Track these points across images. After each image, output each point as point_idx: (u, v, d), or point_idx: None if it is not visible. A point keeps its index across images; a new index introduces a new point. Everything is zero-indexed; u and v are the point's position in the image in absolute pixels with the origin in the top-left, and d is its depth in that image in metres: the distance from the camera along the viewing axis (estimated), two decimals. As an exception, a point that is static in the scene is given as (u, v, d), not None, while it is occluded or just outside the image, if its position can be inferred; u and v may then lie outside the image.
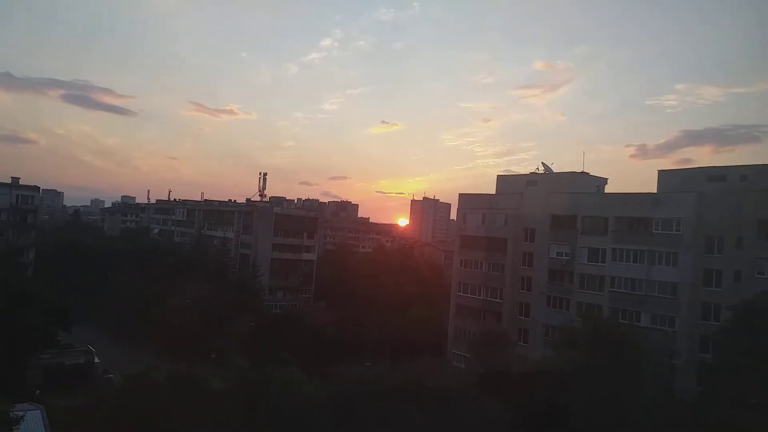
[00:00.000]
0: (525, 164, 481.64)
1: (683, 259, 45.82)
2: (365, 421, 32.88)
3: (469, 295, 62.14)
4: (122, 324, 70.51)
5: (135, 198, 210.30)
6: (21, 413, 25.10)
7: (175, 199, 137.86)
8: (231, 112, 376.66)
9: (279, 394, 32.40)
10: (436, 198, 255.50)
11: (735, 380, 31.84)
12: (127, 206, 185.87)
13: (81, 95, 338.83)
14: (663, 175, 54.71)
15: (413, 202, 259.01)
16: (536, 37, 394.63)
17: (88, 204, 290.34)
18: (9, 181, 79.01)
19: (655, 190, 52.87)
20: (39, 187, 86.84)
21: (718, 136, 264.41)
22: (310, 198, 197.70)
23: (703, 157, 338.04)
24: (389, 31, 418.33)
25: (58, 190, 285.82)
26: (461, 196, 66.94)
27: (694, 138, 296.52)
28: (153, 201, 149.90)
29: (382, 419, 33.40)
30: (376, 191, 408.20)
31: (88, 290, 77.05)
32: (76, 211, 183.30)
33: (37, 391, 44.11)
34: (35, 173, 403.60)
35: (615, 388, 30.76)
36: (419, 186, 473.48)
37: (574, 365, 33.67)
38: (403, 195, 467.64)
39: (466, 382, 41.08)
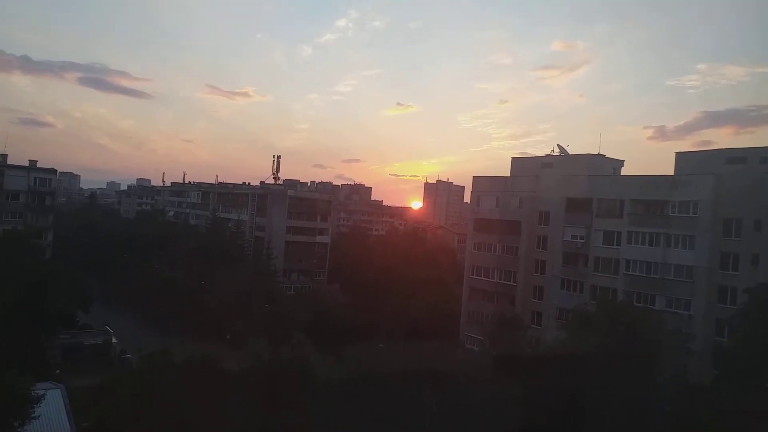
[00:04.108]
0: (541, 146, 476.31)
1: (700, 242, 45.25)
2: (379, 403, 33.16)
3: (482, 278, 62.03)
4: (139, 305, 71.56)
5: (150, 181, 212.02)
6: (42, 392, 25.65)
7: (190, 182, 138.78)
8: (246, 94, 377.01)
9: (293, 375, 32.73)
10: (449, 181, 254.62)
11: (751, 364, 31.53)
12: (142, 189, 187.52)
13: (97, 78, 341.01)
14: (681, 157, 53.86)
15: (427, 184, 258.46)
16: (555, 16, 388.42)
17: (104, 186, 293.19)
18: (27, 164, 79.88)
19: (672, 173, 52.12)
20: (56, 170, 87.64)
21: (740, 117, 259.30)
22: (324, 181, 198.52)
23: (724, 138, 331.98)
24: (405, 11, 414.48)
25: (75, 173, 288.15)
26: (475, 178, 66.51)
27: (714, 119, 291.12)
28: (168, 183, 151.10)
29: (396, 401, 33.66)
30: (390, 174, 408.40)
31: (106, 272, 78.21)
32: (93, 194, 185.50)
33: (57, 371, 45.06)
34: (52, 156, 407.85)
35: (630, 372, 30.63)
36: (433, 168, 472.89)
37: (588, 348, 33.56)
38: (417, 178, 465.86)
39: (480, 365, 41.13)
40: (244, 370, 34.63)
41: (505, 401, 32.72)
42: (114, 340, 57.70)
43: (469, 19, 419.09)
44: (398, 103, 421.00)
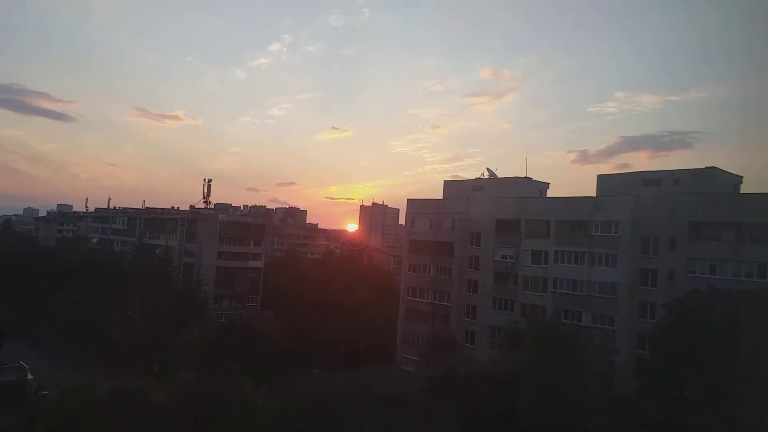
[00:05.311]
0: (472, 170, 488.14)
1: (621, 260, 47.61)
2: (315, 430, 32.53)
3: (417, 299, 62.61)
4: (58, 338, 67.39)
5: (72, 206, 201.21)
6: (-55, 436, 23.68)
7: (115, 207, 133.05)
8: (176, 117, 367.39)
9: (225, 405, 31.67)
10: (385, 203, 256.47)
11: (670, 375, 33.21)
12: (63, 215, 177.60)
13: (14, 99, 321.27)
14: (602, 179, 56.68)
15: (362, 207, 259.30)
16: (484, 47, 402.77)
17: (21, 213, 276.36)
18: (-68, 189, 74.53)
19: (594, 194, 54.74)
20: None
21: (654, 142, 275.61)
22: (257, 204, 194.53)
23: (641, 161, 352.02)
24: (339, 37, 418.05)
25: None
26: (409, 201, 67.55)
27: (632, 143, 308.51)
28: (92, 209, 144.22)
29: (333, 428, 33.13)
30: (326, 197, 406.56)
31: (21, 303, 73.29)
32: (7, 220, 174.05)
33: (-36, 412, 41.64)
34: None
35: (558, 386, 31.59)
36: (369, 192, 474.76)
37: (519, 365, 34.40)
38: (352, 201, 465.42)
39: (415, 386, 41.20)
40: (173, 403, 33.15)
41: (441, 421, 32.91)
42: (29, 376, 53.89)
43: (402, 47, 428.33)
44: (333, 127, 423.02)
